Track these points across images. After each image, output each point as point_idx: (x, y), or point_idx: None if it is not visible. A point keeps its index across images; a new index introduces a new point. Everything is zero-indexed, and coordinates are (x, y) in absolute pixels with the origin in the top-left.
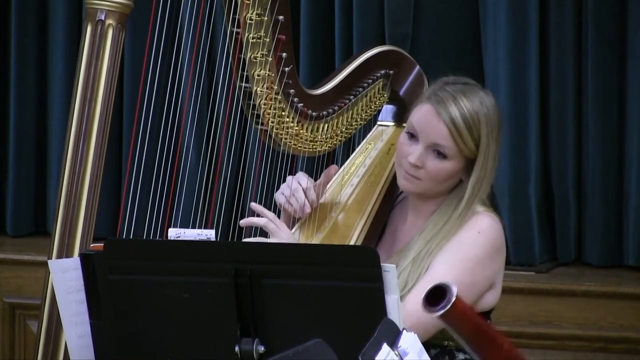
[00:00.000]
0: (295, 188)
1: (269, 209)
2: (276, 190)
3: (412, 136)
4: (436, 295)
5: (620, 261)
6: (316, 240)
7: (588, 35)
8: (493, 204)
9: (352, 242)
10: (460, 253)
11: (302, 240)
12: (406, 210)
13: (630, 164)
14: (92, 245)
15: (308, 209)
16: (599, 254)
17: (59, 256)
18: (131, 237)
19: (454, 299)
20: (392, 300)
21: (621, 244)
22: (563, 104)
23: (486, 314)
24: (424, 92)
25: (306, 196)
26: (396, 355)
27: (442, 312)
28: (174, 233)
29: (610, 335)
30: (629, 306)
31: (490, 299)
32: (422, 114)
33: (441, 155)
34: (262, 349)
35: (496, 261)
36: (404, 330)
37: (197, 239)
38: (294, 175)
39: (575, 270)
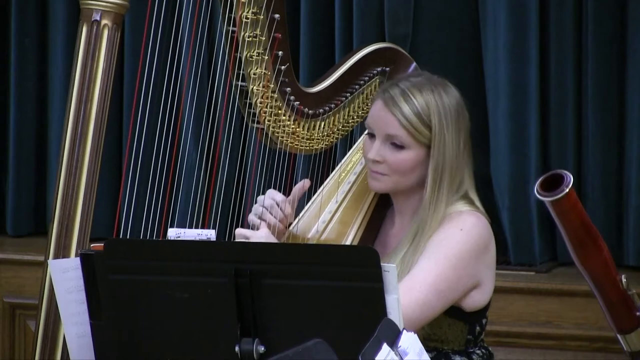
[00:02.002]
0: (269, 204)
1: None
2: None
3: (372, 135)
4: (550, 184)
5: (621, 261)
6: (313, 237)
7: (588, 35)
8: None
9: (349, 240)
10: (443, 250)
11: (300, 238)
12: (394, 216)
13: (630, 164)
14: (92, 245)
15: (281, 226)
16: None
17: (56, 256)
18: (129, 235)
19: (570, 185)
20: (392, 300)
21: (621, 244)
22: (563, 103)
23: (478, 314)
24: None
25: (281, 210)
26: (396, 355)
27: (559, 196)
28: (173, 233)
29: (610, 335)
30: None
31: (479, 298)
32: (374, 111)
33: (398, 146)
34: (262, 349)
35: (481, 259)
36: (404, 330)
37: (197, 239)
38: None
39: (575, 270)
